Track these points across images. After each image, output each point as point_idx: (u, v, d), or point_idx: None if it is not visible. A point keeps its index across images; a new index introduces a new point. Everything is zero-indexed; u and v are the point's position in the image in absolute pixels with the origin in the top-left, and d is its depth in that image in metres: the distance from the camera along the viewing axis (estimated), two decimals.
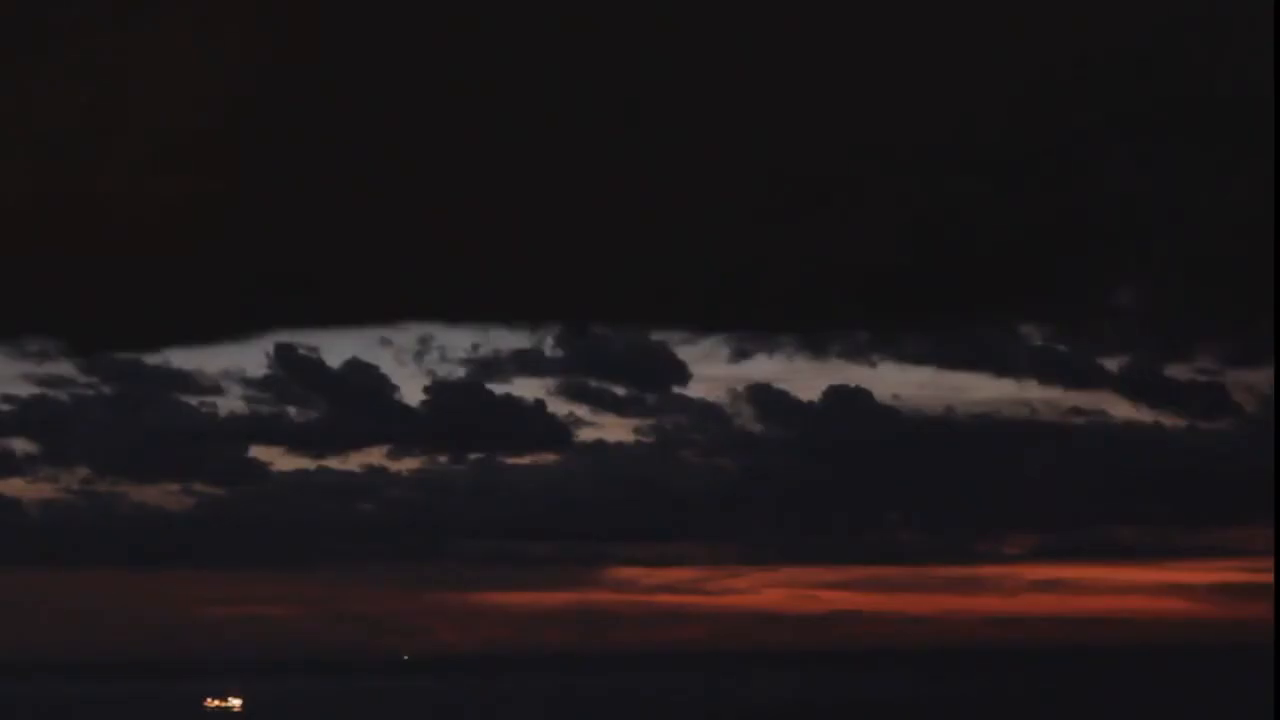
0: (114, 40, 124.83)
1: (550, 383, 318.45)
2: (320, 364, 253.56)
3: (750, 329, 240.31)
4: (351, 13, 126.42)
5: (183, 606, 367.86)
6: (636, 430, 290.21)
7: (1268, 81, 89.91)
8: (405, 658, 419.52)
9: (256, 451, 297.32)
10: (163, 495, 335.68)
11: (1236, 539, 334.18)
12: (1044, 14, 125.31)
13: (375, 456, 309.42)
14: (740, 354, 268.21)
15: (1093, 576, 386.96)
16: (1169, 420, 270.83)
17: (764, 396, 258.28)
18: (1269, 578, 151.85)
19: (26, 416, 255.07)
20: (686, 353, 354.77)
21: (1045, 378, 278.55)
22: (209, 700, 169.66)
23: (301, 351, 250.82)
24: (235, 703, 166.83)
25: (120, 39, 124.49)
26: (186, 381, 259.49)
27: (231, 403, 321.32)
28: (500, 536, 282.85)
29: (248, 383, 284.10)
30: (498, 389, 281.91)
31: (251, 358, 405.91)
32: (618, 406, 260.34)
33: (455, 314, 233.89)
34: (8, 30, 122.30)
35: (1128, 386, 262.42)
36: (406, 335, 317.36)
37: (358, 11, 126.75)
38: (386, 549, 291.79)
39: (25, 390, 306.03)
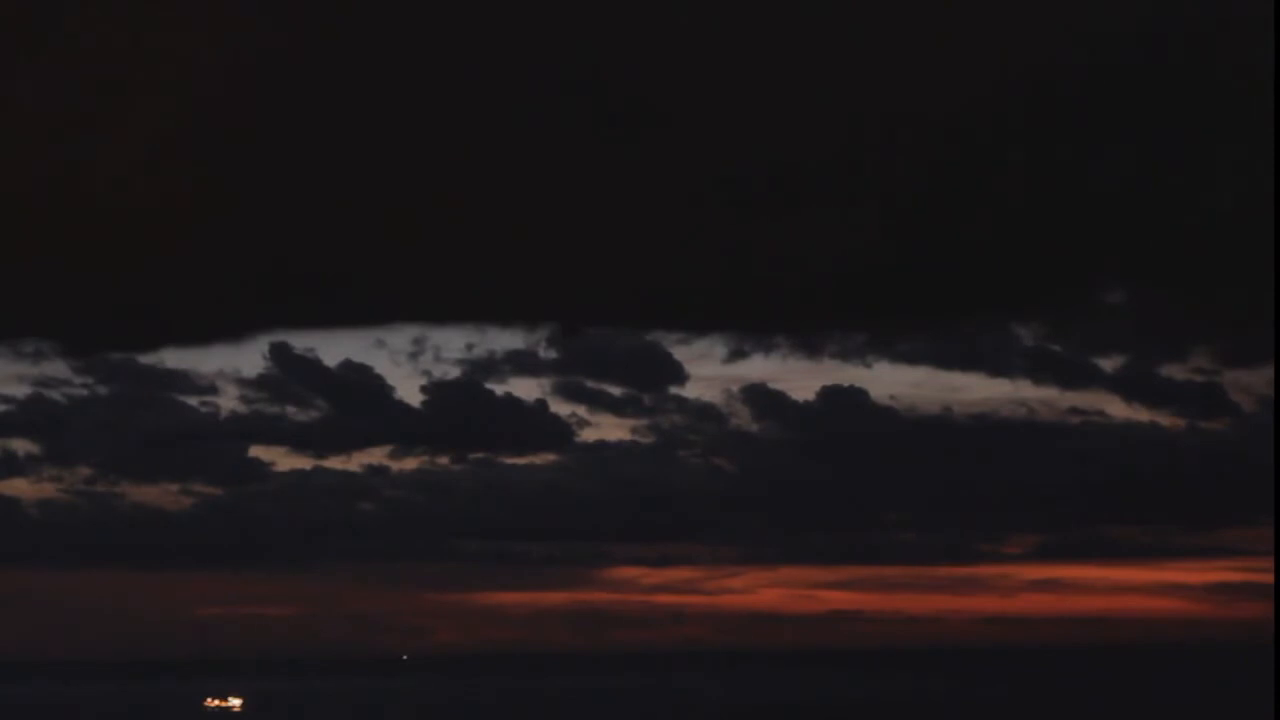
0: (114, 41, 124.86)
1: (545, 383, 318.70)
2: (317, 364, 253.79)
3: (746, 329, 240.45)
4: (353, 13, 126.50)
5: (183, 606, 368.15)
6: (634, 430, 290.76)
7: (1268, 81, 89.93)
8: (405, 658, 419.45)
9: (256, 451, 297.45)
10: (162, 495, 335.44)
11: (1236, 539, 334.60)
12: (1043, 13, 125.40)
13: (375, 456, 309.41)
14: (736, 354, 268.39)
15: (1091, 576, 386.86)
16: (1166, 420, 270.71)
17: (760, 397, 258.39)
18: (1268, 578, 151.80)
19: (25, 417, 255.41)
20: (682, 353, 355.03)
21: (1040, 378, 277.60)
22: (209, 700, 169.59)
23: (297, 351, 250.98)
24: (235, 703, 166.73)
25: (120, 39, 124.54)
26: (181, 382, 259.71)
27: (231, 403, 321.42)
28: (500, 536, 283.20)
29: (243, 383, 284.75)
30: (497, 389, 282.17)
31: (246, 358, 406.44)
32: (614, 407, 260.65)
33: (450, 314, 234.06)
34: (7, 30, 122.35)
35: (1124, 386, 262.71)
36: (401, 336, 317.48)
37: (359, 12, 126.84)
38: (386, 549, 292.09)
39: (20, 390, 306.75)
